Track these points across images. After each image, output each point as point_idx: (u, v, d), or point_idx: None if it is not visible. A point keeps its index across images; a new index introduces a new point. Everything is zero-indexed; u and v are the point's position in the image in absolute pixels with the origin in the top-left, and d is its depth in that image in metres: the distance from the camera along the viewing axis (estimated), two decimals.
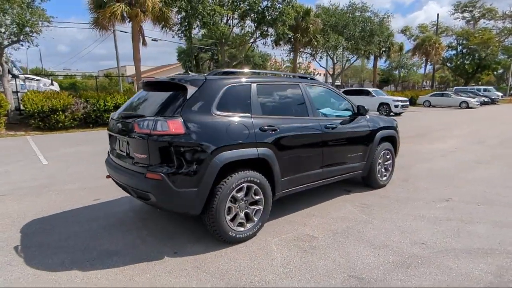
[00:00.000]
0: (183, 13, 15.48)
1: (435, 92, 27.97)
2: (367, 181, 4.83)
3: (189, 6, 14.53)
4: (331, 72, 28.84)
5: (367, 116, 4.57)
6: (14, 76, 15.84)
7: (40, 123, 11.98)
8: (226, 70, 3.45)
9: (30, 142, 9.39)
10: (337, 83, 40.56)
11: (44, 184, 5.21)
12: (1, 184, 5.18)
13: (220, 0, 16.23)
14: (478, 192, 4.69)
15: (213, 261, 2.82)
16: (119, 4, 13.77)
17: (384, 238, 3.25)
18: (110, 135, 3.50)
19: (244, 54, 30.03)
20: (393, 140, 5.05)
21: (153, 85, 3.37)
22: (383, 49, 26.82)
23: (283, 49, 23.29)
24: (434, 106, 26.00)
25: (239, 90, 3.24)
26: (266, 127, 3.25)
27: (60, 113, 12.33)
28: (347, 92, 19.58)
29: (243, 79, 3.34)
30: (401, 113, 18.62)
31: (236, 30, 19.97)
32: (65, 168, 6.24)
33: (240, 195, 3.09)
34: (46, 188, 4.98)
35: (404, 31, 37.97)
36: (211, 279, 2.55)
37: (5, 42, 12.77)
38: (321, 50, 23.51)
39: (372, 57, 28.71)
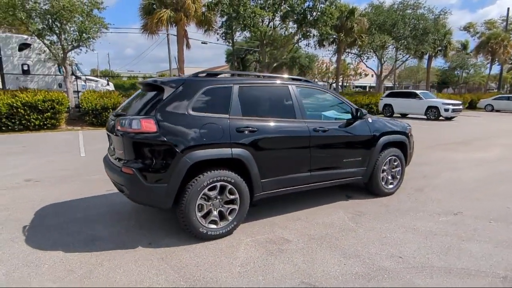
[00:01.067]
0: (225, 16, 15.99)
1: (500, 95, 25.06)
2: (369, 188, 4.60)
3: (230, 9, 14.97)
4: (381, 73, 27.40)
5: (370, 120, 4.36)
6: (77, 77, 17.80)
7: (93, 119, 13.32)
8: (209, 72, 3.57)
9: (79, 137, 10.50)
10: (388, 84, 38.41)
11: (73, 173, 5.84)
12: (41, 172, 5.91)
13: (261, 2, 16.43)
14: (497, 208, 4.19)
15: (179, 255, 2.96)
16: (165, 10, 14.72)
17: (360, 248, 3.10)
18: (107, 133, 3.83)
19: (289, 55, 29.99)
20: (402, 146, 4.73)
21: (144, 86, 3.62)
22: (439, 48, 24.72)
23: (328, 50, 22.77)
24: (497, 111, 23.33)
25: (218, 91, 3.33)
26: (243, 128, 3.30)
27: (111, 110, 13.53)
28: (393, 94, 18.51)
29: (224, 81, 3.43)
30: (453, 117, 17.07)
31: (280, 31, 20.05)
32: (96, 161, 6.90)
33: (213, 193, 3.19)
34: (73, 177, 5.58)
35: (467, 28, 34.55)
36: (169, 271, 2.69)
37: (68, 47, 14.39)
38: (368, 50, 22.47)
39: (426, 57, 26.66)
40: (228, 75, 3.82)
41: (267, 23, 17.83)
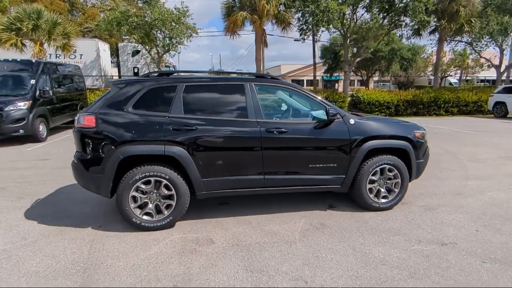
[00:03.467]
0: (300, 13, 15.68)
1: None
2: (354, 199, 3.99)
3: (302, 6, 14.61)
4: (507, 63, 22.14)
5: (351, 121, 3.76)
6: None
7: None
8: (162, 71, 3.73)
9: None
10: None
11: None
12: None
13: None
14: None
15: (106, 239, 3.25)
16: (241, 12, 15.44)
17: (273, 264, 2.79)
18: None
19: (388, 48, 27.18)
20: (404, 154, 3.91)
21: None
22: None
23: (430, 40, 19.75)
24: None
25: (161, 91, 3.47)
26: (180, 126, 3.36)
27: None
28: (509, 90, 14.89)
29: (170, 81, 3.54)
30: None
31: (366, 23, 18.48)
32: None
33: (148, 187, 3.36)
34: None
35: None
36: (85, 252, 3.01)
37: (161, 52, 16.66)
38: (482, 37, 18.42)
39: None
40: (184, 74, 3.89)
41: (348, 16, 16.65)
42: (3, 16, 16.12)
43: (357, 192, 3.85)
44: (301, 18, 16.33)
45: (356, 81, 45.23)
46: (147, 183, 3.36)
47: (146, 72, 3.73)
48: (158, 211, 3.44)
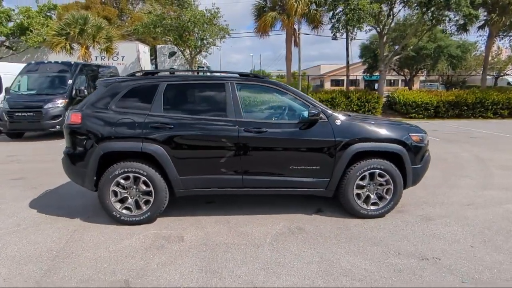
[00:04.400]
0: (331, 12, 15.20)
1: None
2: (342, 204, 3.77)
3: (332, 5, 14.15)
4: None
5: (337, 122, 3.56)
6: None
7: None
8: (147, 71, 3.83)
9: None
10: None
11: None
12: None
13: None
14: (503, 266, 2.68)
15: (87, 230, 3.42)
16: (270, 13, 15.40)
17: (231, 266, 2.73)
18: None
19: (433, 45, 25.38)
20: (398, 159, 3.62)
21: None
22: None
23: (480, 35, 18.08)
24: None
25: (142, 90, 3.57)
26: (158, 124, 3.44)
27: None
28: None
29: (152, 80, 3.63)
30: None
31: (405, 19, 17.44)
32: None
33: (127, 183, 3.48)
34: None
35: None
36: (64, 241, 3.18)
37: (192, 52, 17.17)
38: None
39: None
40: (168, 73, 3.94)
41: (385, 12, 15.81)
42: (56, 22, 17.70)
43: (343, 197, 3.64)
44: (332, 17, 15.88)
45: (400, 81, 42.88)
46: (126, 178, 3.47)
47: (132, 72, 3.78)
48: (138, 206, 3.54)
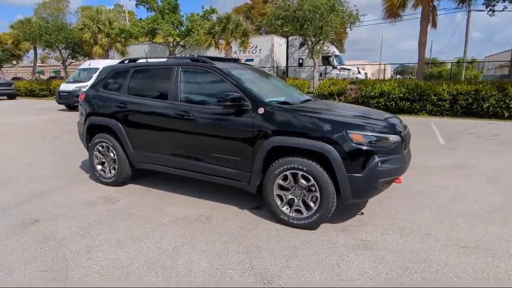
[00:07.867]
0: None
1: None
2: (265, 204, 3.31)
3: None
4: None
5: (260, 110, 3.13)
6: (334, 67, 20.23)
7: None
8: (131, 58, 4.42)
9: None
10: None
11: None
12: None
13: None
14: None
15: (64, 189, 4.45)
16: None
17: (96, 230, 3.05)
18: None
19: None
20: (328, 161, 2.86)
21: None
22: None
23: None
24: None
25: (119, 74, 4.24)
26: (119, 104, 4.04)
27: (336, 96, 14.56)
28: None
29: (127, 66, 4.23)
30: None
31: None
32: None
33: (103, 150, 4.29)
34: None
35: None
36: (45, 214, 4.31)
37: (313, 41, 16.88)
38: None
39: None
40: (154, 60, 4.31)
41: None
42: (207, 22, 21.10)
43: (264, 196, 3.22)
44: None
45: None
46: (102, 147, 4.28)
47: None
48: (108, 171, 4.32)
